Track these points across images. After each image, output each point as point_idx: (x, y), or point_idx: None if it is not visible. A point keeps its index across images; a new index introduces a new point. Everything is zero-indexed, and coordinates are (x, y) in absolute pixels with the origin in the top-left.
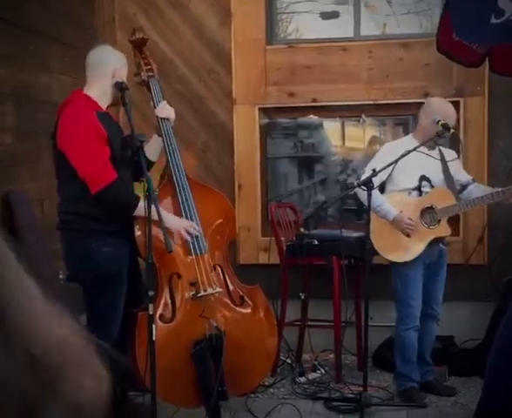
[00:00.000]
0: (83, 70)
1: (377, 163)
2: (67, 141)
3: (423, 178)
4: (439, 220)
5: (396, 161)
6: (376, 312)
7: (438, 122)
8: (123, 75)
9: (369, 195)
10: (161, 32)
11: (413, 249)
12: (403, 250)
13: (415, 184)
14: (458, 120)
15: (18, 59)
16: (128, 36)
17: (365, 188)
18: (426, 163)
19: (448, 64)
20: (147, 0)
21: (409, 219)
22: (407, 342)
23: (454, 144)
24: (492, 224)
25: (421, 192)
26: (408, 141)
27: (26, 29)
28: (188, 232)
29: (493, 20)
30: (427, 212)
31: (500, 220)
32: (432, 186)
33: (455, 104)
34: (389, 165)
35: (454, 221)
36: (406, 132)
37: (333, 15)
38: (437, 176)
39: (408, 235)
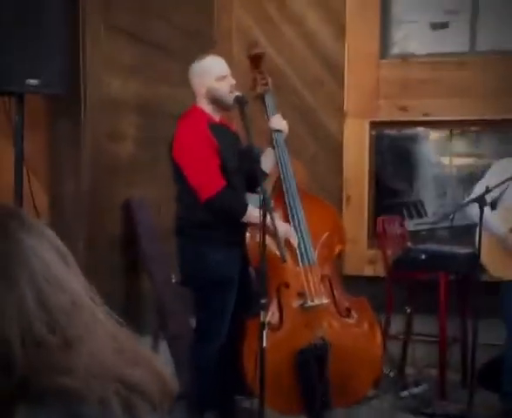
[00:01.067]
0: None
1: (489, 180)
2: (180, 152)
3: None
4: None
5: (511, 178)
6: (483, 330)
7: None
8: (209, 83)
9: (482, 212)
10: (275, 45)
11: None
12: (510, 267)
13: None
14: None
15: (142, 72)
16: (244, 48)
17: (477, 205)
18: None
19: None
20: (263, 14)
21: None
22: None
23: None
24: None
25: None
26: None
27: (150, 43)
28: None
29: None
30: None
31: None
32: None
33: None
34: (503, 183)
35: None
36: None
37: (443, 25)
38: None
39: None
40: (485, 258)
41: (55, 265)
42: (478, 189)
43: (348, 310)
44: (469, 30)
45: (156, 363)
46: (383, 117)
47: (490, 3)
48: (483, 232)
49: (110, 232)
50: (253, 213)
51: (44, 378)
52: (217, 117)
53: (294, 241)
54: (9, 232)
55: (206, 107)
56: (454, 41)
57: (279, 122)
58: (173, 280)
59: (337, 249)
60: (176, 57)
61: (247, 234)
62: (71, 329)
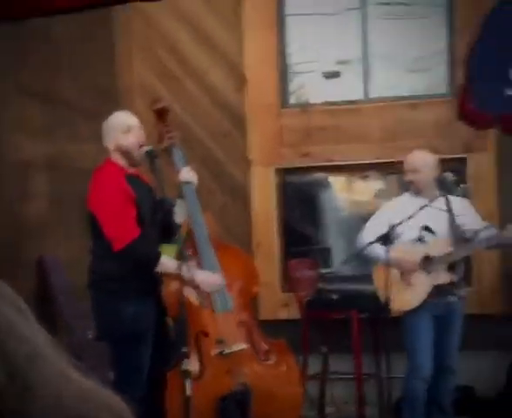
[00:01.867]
0: None
1: (377, 220)
2: (96, 202)
3: (425, 228)
4: (438, 269)
5: (411, 217)
6: (396, 364)
7: (440, 176)
8: (115, 137)
9: (387, 250)
10: (179, 99)
11: (415, 297)
12: (405, 298)
13: (417, 234)
14: (466, 175)
15: (51, 130)
16: (147, 104)
17: (382, 243)
18: (428, 214)
19: (454, 121)
20: (165, 70)
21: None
22: (415, 393)
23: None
24: (505, 272)
25: (423, 242)
26: (407, 197)
27: (59, 102)
28: (213, 289)
29: (506, 92)
30: (427, 261)
31: None
32: (434, 235)
33: (463, 161)
34: (406, 220)
35: (467, 271)
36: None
37: (335, 74)
38: (440, 226)
39: (410, 283)
40: (380, 291)
41: (15, 319)
42: (367, 230)
43: (267, 353)
44: (362, 79)
45: (117, 405)
46: (287, 164)
47: (379, 51)
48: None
49: (24, 291)
50: (167, 263)
51: None
52: (131, 170)
53: (218, 283)
54: None
55: (119, 161)
56: (349, 89)
57: (188, 174)
58: (90, 336)
59: (252, 293)
60: (84, 115)
61: (163, 284)
62: (32, 376)
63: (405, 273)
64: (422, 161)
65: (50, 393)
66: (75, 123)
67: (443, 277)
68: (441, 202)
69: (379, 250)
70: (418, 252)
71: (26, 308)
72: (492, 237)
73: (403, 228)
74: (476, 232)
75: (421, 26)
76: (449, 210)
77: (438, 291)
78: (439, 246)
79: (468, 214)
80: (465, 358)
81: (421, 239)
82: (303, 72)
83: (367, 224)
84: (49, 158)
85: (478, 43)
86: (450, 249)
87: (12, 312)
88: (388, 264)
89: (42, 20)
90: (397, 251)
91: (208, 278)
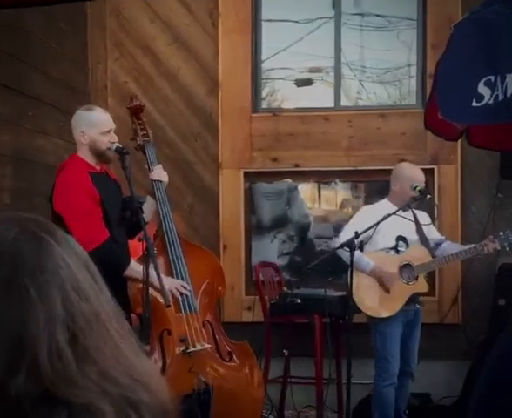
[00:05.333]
0: None
1: (356, 224)
2: (61, 203)
3: (400, 238)
4: (417, 277)
5: (378, 223)
6: (356, 369)
7: (415, 188)
8: (93, 135)
9: (352, 255)
10: (151, 99)
11: (393, 305)
12: (384, 306)
13: (393, 243)
14: (433, 186)
15: (18, 124)
16: (119, 102)
17: (347, 249)
18: (401, 224)
19: (422, 133)
20: (138, 69)
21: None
22: (386, 399)
23: (430, 208)
24: (466, 284)
25: (397, 251)
26: (385, 204)
27: (26, 95)
28: (179, 291)
29: (474, 104)
30: (406, 269)
31: (473, 281)
32: (408, 246)
33: (430, 172)
34: (371, 227)
35: (429, 282)
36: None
37: (307, 82)
38: (412, 236)
39: (388, 290)
40: (357, 297)
41: (81, 275)
42: (345, 232)
43: (230, 354)
44: (333, 87)
45: (159, 385)
46: (256, 167)
47: (351, 61)
48: (358, 273)
49: None
50: (135, 268)
51: (63, 390)
52: (97, 166)
53: (184, 289)
54: (43, 245)
55: (86, 156)
56: (320, 97)
57: (160, 172)
58: None
59: (218, 293)
60: (51, 109)
61: (129, 282)
62: (91, 341)
63: (384, 283)
64: (402, 171)
65: (103, 365)
66: (42, 116)
67: (422, 285)
68: (408, 214)
69: (365, 259)
70: (398, 260)
71: (96, 271)
72: (465, 250)
73: (379, 236)
74: (437, 244)
75: (393, 38)
76: (417, 222)
77: (410, 299)
78: (418, 255)
79: (429, 227)
80: (423, 366)
81: (395, 249)
82: (275, 78)
83: (347, 226)
84: (14, 151)
85: (446, 54)
86: (430, 259)
87: (80, 268)
88: (371, 274)
89: (13, 11)
90: (376, 258)
91: (174, 285)
